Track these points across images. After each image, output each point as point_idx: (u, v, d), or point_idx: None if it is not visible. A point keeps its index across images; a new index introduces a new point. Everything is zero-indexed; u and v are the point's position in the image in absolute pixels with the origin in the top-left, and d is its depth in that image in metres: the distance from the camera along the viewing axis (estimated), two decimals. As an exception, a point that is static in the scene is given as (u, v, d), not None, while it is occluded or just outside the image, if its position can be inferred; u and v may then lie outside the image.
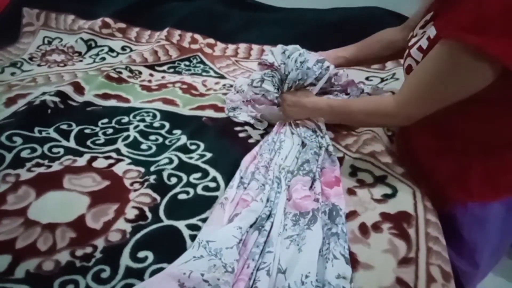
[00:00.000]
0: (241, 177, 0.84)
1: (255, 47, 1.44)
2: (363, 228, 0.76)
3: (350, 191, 0.84)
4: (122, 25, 1.51)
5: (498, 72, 0.63)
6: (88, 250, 0.71)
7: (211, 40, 1.47)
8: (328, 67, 1.01)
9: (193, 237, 0.73)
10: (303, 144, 0.93)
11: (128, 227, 0.75)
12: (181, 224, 0.76)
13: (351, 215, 0.79)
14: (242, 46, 1.45)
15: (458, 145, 0.82)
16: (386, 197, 0.83)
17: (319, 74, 1.00)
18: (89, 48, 1.47)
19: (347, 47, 1.09)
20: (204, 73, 1.35)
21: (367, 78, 1.26)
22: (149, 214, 0.79)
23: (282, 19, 1.53)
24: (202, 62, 1.41)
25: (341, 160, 0.93)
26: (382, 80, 1.24)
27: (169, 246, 0.72)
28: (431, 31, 0.74)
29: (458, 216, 0.85)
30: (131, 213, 0.78)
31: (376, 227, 0.76)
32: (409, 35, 0.87)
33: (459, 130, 0.80)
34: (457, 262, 0.85)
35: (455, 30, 0.63)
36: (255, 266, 0.66)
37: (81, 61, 1.43)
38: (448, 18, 0.67)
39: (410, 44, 0.82)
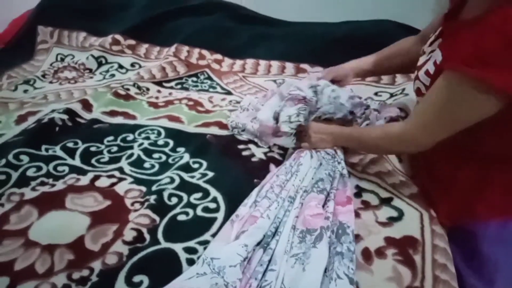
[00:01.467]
0: (256, 198, 0.83)
1: (262, 63, 1.43)
2: (366, 254, 0.73)
3: (355, 214, 0.81)
4: (132, 42, 1.53)
5: (504, 101, 0.65)
6: (85, 273, 0.71)
7: (219, 56, 1.48)
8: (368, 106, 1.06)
9: (189, 261, 0.72)
10: (320, 165, 0.92)
11: (125, 250, 0.75)
12: (178, 247, 0.75)
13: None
14: (250, 62, 1.44)
15: (477, 156, 0.80)
16: (392, 220, 0.80)
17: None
18: (100, 64, 1.49)
19: (367, 58, 1.09)
20: (211, 89, 1.35)
21: (376, 94, 1.23)
22: (147, 236, 0.78)
23: (290, 34, 1.53)
24: (209, 78, 1.41)
25: (346, 180, 0.90)
26: (391, 95, 1.21)
27: (165, 270, 0.71)
28: (437, 55, 0.75)
29: (479, 232, 0.81)
30: (129, 234, 0.78)
31: (380, 252, 0.73)
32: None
33: (476, 143, 0.78)
34: (473, 281, 0.81)
35: (458, 63, 0.65)
36: (258, 285, 0.65)
37: (91, 77, 1.45)
38: (452, 48, 0.68)
39: (419, 64, 0.83)
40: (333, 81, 1.08)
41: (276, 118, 1.01)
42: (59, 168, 0.97)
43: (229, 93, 1.32)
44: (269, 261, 0.70)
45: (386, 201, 0.84)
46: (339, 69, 1.10)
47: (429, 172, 0.88)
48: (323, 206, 0.80)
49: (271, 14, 1.72)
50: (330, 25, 1.56)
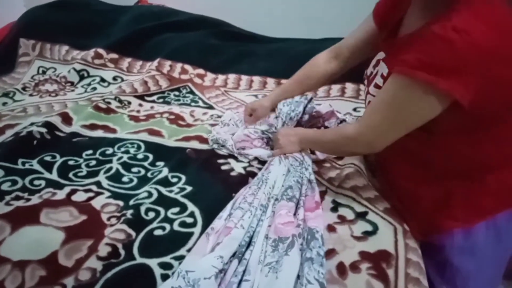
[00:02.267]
0: (231, 210, 0.84)
1: (244, 78, 1.45)
2: (340, 268, 0.74)
3: (330, 228, 0.83)
4: (114, 56, 1.53)
5: (446, 104, 0.69)
6: (57, 290, 0.70)
7: (201, 71, 1.49)
8: (311, 98, 1.09)
9: (164, 276, 0.72)
10: (288, 172, 0.94)
11: (99, 266, 0.74)
12: (153, 263, 0.75)
13: (329, 253, 0.77)
14: (232, 77, 1.46)
15: (436, 172, 0.84)
16: (366, 235, 0.81)
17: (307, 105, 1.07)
18: (82, 78, 1.49)
19: (271, 94, 1.14)
20: (193, 103, 1.36)
21: (354, 109, 1.25)
22: (122, 251, 0.77)
23: (273, 51, 1.55)
24: (191, 92, 1.42)
25: (323, 194, 0.91)
26: (369, 111, 1.23)
27: (139, 286, 0.70)
28: (383, 69, 0.81)
29: (447, 245, 0.84)
30: (103, 250, 0.77)
31: (354, 267, 0.74)
32: (342, 63, 1.02)
33: (435, 160, 0.82)
34: None
35: (407, 68, 0.68)
36: (233, 297, 0.65)
37: (73, 91, 1.45)
38: (397, 57, 0.71)
39: (367, 80, 0.90)
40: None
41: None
42: (35, 182, 0.96)
43: (210, 107, 1.33)
44: (244, 271, 0.70)
45: (361, 215, 0.85)
46: (257, 110, 1.12)
47: (393, 190, 0.92)
48: (294, 214, 0.81)
49: (255, 30, 1.75)
50: (314, 42, 1.59)
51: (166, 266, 0.74)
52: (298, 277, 0.69)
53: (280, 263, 0.71)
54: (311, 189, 0.89)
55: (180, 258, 0.75)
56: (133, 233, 0.81)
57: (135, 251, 0.77)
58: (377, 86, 0.84)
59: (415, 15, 0.78)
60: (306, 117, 1.13)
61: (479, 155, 0.79)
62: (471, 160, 0.79)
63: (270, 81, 1.42)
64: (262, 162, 1.03)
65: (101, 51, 1.52)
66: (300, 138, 0.98)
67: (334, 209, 0.88)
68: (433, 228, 0.84)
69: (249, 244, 0.76)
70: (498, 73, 0.66)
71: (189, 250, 0.77)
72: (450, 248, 0.84)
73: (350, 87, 1.34)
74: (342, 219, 0.85)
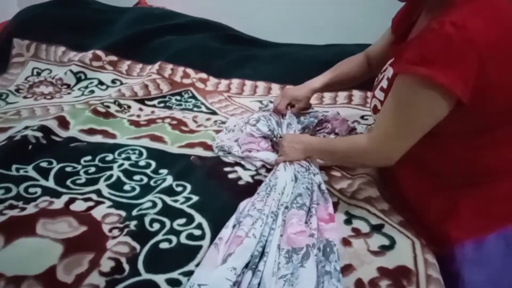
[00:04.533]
0: (238, 217, 0.81)
1: (248, 83, 1.41)
2: (359, 285, 0.70)
3: (346, 242, 0.79)
4: (113, 58, 1.48)
5: (451, 102, 0.68)
6: (55, 309, 0.64)
7: (204, 75, 1.44)
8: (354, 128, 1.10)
9: (172, 295, 0.67)
10: (296, 179, 0.91)
11: (102, 282, 0.69)
12: (160, 279, 0.70)
13: (346, 269, 0.73)
14: (235, 82, 1.42)
15: (443, 181, 0.82)
16: (384, 249, 0.77)
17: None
18: (79, 80, 1.43)
19: (313, 85, 1.13)
20: (195, 109, 1.31)
21: (362, 117, 1.23)
22: (126, 266, 0.72)
23: (277, 56, 1.52)
24: (193, 97, 1.38)
25: (335, 205, 0.88)
26: (378, 119, 1.21)
27: (145, 305, 0.66)
28: (389, 72, 0.82)
29: (457, 257, 0.81)
30: (106, 264, 0.72)
31: (374, 284, 0.70)
32: (370, 69, 1.03)
33: (441, 166, 0.81)
34: None
35: (405, 64, 0.69)
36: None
37: (69, 93, 1.39)
38: (402, 57, 0.71)
39: (374, 84, 0.89)
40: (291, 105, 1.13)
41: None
42: (31, 190, 0.90)
43: (214, 113, 1.29)
44: (259, 284, 0.68)
45: (377, 228, 0.82)
46: (294, 91, 1.13)
47: (404, 202, 0.89)
48: (305, 222, 0.79)
49: (255, 35, 1.72)
50: (316, 47, 1.56)
51: (174, 282, 0.69)
52: None
53: (296, 275, 0.68)
54: (323, 199, 0.86)
55: (189, 274, 0.71)
56: (138, 246, 0.76)
57: (140, 266, 0.73)
58: (382, 90, 0.83)
59: (422, 17, 0.79)
60: (314, 121, 1.10)
61: (485, 159, 0.77)
62: (477, 166, 0.78)
63: (275, 87, 1.38)
64: (270, 170, 0.99)
65: (99, 53, 1.47)
66: (305, 146, 0.95)
67: (348, 221, 0.84)
68: (443, 239, 0.82)
69: (262, 254, 0.73)
70: (496, 71, 0.65)
71: (198, 265, 0.73)
72: (460, 260, 0.80)
73: (357, 94, 1.31)
74: (357, 232, 0.81)
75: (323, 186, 0.89)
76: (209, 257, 0.73)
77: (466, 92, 0.65)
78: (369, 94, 1.30)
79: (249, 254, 0.72)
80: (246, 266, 0.71)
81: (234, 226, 0.79)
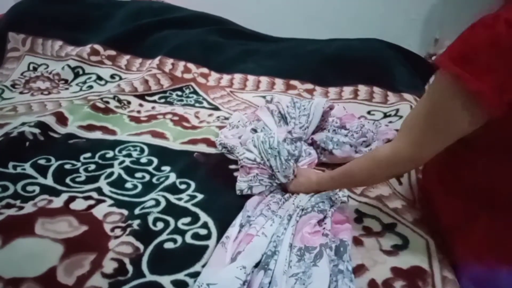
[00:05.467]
0: (248, 216, 0.80)
1: (251, 78, 1.38)
2: (373, 286, 0.68)
3: (357, 240, 0.76)
4: (112, 53, 1.44)
5: (483, 111, 0.59)
6: (56, 312, 0.61)
7: (205, 70, 1.41)
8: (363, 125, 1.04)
9: (179, 297, 0.64)
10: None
11: (104, 284, 0.66)
12: (165, 280, 0.67)
13: (359, 269, 0.70)
14: (238, 77, 1.39)
15: (464, 189, 0.75)
16: (397, 249, 0.75)
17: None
18: (76, 75, 1.40)
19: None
20: (197, 104, 1.28)
21: (368, 112, 1.20)
22: (129, 267, 0.69)
23: (279, 50, 1.49)
24: (195, 92, 1.34)
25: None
26: (385, 114, 1.18)
27: (151, 308, 0.63)
28: None
29: (463, 279, 0.72)
30: (109, 266, 0.69)
31: (388, 285, 0.68)
32: None
33: (465, 174, 0.74)
34: None
35: (444, 58, 0.61)
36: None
37: (67, 89, 1.35)
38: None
39: None
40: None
41: (255, 130, 1.00)
42: (29, 188, 0.87)
43: (216, 108, 1.26)
44: (269, 283, 0.66)
45: (389, 227, 0.79)
46: None
47: (424, 196, 0.85)
48: (319, 225, 0.77)
49: (255, 29, 1.69)
50: (319, 42, 1.53)
51: (180, 284, 0.67)
52: None
53: (308, 274, 0.66)
54: (341, 208, 0.83)
55: (196, 275, 0.68)
56: (141, 246, 0.73)
57: (144, 267, 0.70)
58: None
59: None
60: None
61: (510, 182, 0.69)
62: (501, 187, 0.69)
63: (279, 82, 1.36)
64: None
65: (97, 47, 1.43)
66: (319, 181, 0.85)
67: (359, 219, 0.82)
68: (451, 250, 0.75)
69: (274, 253, 0.71)
70: None
71: (204, 266, 0.70)
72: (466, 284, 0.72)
73: (363, 89, 1.28)
74: (368, 231, 0.79)
75: (345, 199, 0.85)
76: (217, 256, 0.71)
77: (500, 103, 0.57)
78: (375, 89, 1.28)
79: (259, 252, 0.70)
80: (257, 265, 0.69)
81: (241, 225, 0.77)
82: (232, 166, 0.96)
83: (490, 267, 0.70)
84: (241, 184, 0.88)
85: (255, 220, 0.76)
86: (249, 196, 0.86)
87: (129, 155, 1.01)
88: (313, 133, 1.03)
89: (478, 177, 0.71)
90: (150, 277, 0.68)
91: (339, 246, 0.71)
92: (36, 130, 1.04)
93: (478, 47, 0.57)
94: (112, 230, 0.77)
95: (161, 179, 0.92)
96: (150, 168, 0.97)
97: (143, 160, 1.00)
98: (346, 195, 0.86)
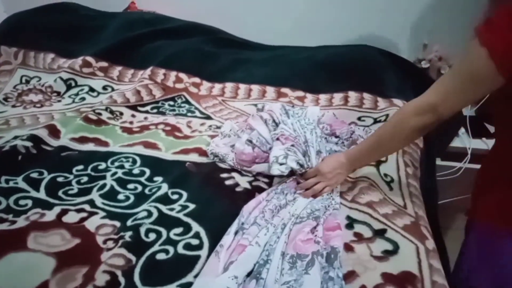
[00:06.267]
0: (242, 223, 0.80)
1: (242, 86, 1.39)
2: (363, 292, 0.68)
3: (347, 247, 0.77)
4: (104, 64, 1.45)
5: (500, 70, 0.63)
6: (48, 327, 0.61)
7: (197, 79, 1.42)
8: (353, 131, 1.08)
9: (171, 309, 0.64)
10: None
11: (97, 297, 0.66)
12: (158, 292, 0.67)
13: (349, 276, 0.71)
14: (229, 86, 1.40)
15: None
16: (387, 254, 0.75)
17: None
18: (69, 87, 1.40)
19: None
20: (189, 114, 1.29)
21: (359, 118, 1.21)
22: (122, 280, 0.70)
23: (270, 58, 1.50)
24: (187, 102, 1.35)
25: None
26: (375, 120, 1.19)
27: (143, 320, 0.63)
28: None
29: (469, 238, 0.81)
30: (101, 278, 0.69)
31: (378, 290, 0.68)
32: None
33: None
34: None
35: (478, 25, 0.66)
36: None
37: (59, 101, 1.36)
38: None
39: None
40: None
41: (251, 141, 1.00)
42: (21, 202, 0.87)
43: (208, 117, 1.26)
44: None
45: (379, 233, 0.80)
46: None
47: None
48: (312, 232, 0.78)
49: (249, 38, 1.70)
50: (309, 49, 1.55)
51: (172, 295, 0.67)
52: None
53: (300, 282, 0.67)
54: (333, 215, 0.84)
55: (188, 285, 0.69)
56: (133, 258, 0.74)
57: (136, 278, 0.70)
58: None
59: None
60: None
61: None
62: None
63: (270, 90, 1.36)
64: (268, 176, 0.97)
65: (89, 59, 1.44)
66: (348, 167, 0.89)
67: (350, 226, 0.82)
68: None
69: (266, 262, 0.71)
70: None
71: (196, 276, 0.70)
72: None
73: (353, 95, 1.29)
74: (359, 237, 0.80)
75: (338, 206, 0.86)
76: (210, 265, 0.72)
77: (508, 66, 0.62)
78: (365, 95, 1.29)
79: (251, 262, 0.70)
80: (249, 274, 0.69)
81: (236, 233, 0.78)
82: (224, 175, 0.96)
83: (496, 230, 0.75)
84: (278, 151, 0.91)
85: (248, 229, 0.77)
86: (244, 203, 0.86)
87: (122, 167, 1.01)
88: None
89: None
90: (142, 289, 0.68)
91: (330, 253, 0.72)
92: (29, 143, 1.05)
93: (501, 15, 0.63)
94: (105, 242, 0.78)
95: (153, 190, 0.93)
96: (142, 179, 0.97)
97: (136, 171, 1.00)
98: (338, 203, 0.87)
